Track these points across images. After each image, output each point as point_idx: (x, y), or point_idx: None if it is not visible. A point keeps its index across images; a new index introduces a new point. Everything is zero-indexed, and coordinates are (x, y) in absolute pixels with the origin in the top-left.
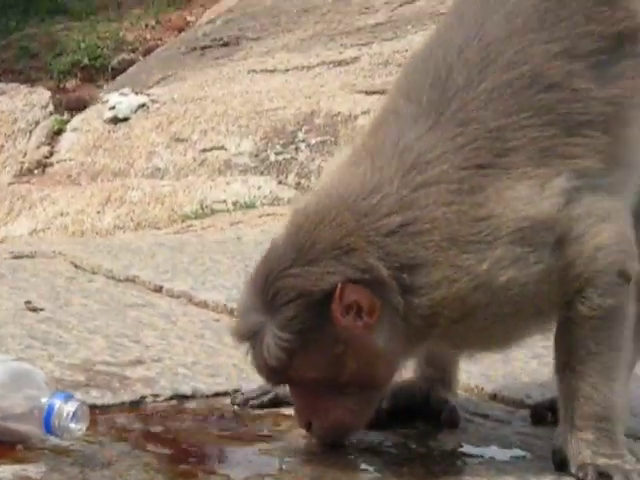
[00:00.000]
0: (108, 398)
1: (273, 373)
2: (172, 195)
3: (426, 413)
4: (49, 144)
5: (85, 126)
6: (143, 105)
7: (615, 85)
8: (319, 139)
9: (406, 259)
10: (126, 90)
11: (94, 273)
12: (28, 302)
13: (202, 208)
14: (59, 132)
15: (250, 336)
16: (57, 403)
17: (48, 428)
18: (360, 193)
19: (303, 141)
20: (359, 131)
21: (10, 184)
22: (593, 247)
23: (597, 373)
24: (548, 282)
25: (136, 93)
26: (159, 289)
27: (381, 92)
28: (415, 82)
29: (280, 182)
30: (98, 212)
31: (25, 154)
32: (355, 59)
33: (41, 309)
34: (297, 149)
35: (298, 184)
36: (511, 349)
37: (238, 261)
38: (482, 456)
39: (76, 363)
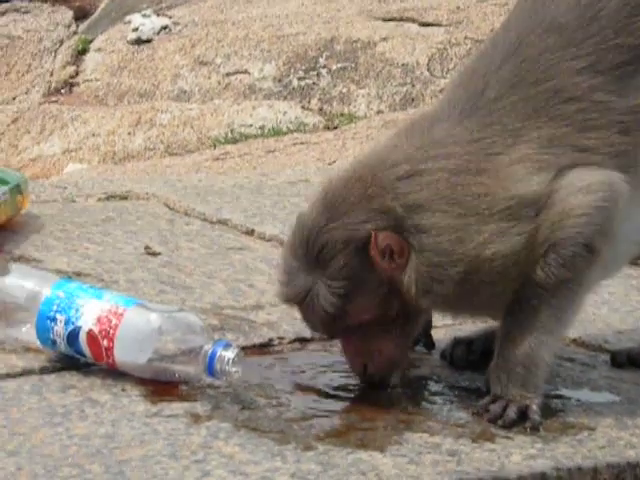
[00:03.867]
0: (242, 340)
1: (329, 324)
2: (200, 118)
3: None
4: (74, 64)
5: (109, 47)
6: (165, 27)
7: (637, 96)
8: (340, 65)
9: (413, 200)
10: (148, 12)
11: (188, 215)
12: (147, 247)
13: (231, 132)
14: (83, 52)
15: (303, 296)
16: (219, 350)
17: (211, 371)
18: (380, 160)
19: (324, 67)
20: (379, 58)
21: (41, 104)
22: (559, 213)
23: (535, 329)
24: (525, 250)
25: (157, 15)
26: (251, 232)
27: (398, 19)
28: (455, 94)
29: (304, 107)
30: (129, 134)
31: (52, 73)
32: None
33: (159, 253)
34: (319, 75)
35: (321, 109)
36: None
37: None
38: (578, 399)
39: (207, 307)
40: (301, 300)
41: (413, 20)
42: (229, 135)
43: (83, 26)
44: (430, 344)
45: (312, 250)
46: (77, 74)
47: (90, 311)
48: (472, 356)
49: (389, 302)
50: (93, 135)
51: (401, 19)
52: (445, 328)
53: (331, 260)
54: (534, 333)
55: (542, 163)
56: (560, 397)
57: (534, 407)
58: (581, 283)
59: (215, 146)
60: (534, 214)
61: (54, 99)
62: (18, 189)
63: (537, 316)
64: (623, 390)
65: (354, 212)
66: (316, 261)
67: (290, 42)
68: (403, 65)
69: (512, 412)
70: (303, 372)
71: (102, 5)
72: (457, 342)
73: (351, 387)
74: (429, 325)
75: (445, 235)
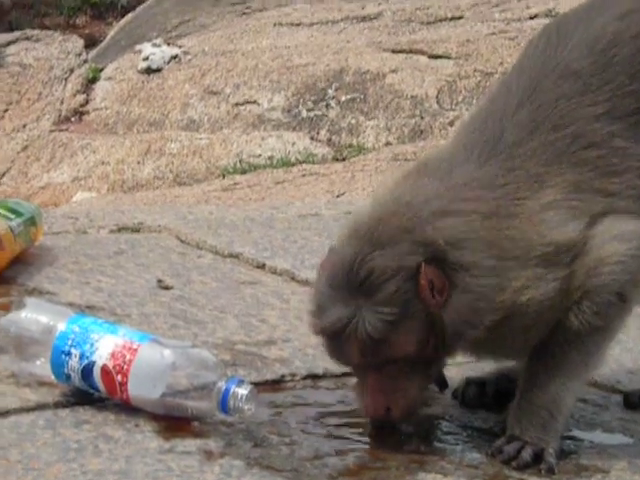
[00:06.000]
0: (254, 377)
1: (367, 353)
2: (209, 148)
3: None
4: (84, 92)
5: (119, 75)
6: (175, 56)
7: None
8: (349, 96)
9: (454, 235)
10: (158, 41)
11: (199, 248)
12: (160, 280)
13: (240, 162)
14: (93, 80)
15: (342, 325)
16: (232, 387)
17: (224, 408)
18: (411, 196)
19: (333, 98)
20: (388, 90)
21: (51, 132)
22: (595, 260)
23: (563, 374)
24: (559, 296)
25: (168, 44)
26: (262, 266)
27: (407, 51)
28: (470, 137)
29: (312, 138)
30: (138, 162)
31: (62, 102)
32: (378, 15)
33: (171, 287)
34: (328, 106)
35: (329, 140)
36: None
37: (326, 239)
38: (592, 441)
39: (219, 342)
40: (339, 329)
41: (422, 52)
42: (238, 165)
43: (92, 54)
44: (443, 383)
45: (355, 278)
46: (87, 102)
47: (105, 346)
48: (485, 398)
49: (428, 338)
50: (102, 163)
51: (410, 51)
52: (457, 367)
53: (379, 287)
54: (562, 378)
55: (574, 209)
56: (573, 439)
57: (551, 450)
58: (611, 330)
59: (224, 176)
60: (569, 260)
61: (64, 127)
62: (32, 221)
63: (566, 361)
64: (636, 432)
65: (398, 243)
66: (359, 289)
67: (299, 73)
68: (412, 97)
69: (527, 454)
70: (315, 410)
71: (111, 33)
72: (469, 382)
73: (363, 426)
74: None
75: (486, 278)
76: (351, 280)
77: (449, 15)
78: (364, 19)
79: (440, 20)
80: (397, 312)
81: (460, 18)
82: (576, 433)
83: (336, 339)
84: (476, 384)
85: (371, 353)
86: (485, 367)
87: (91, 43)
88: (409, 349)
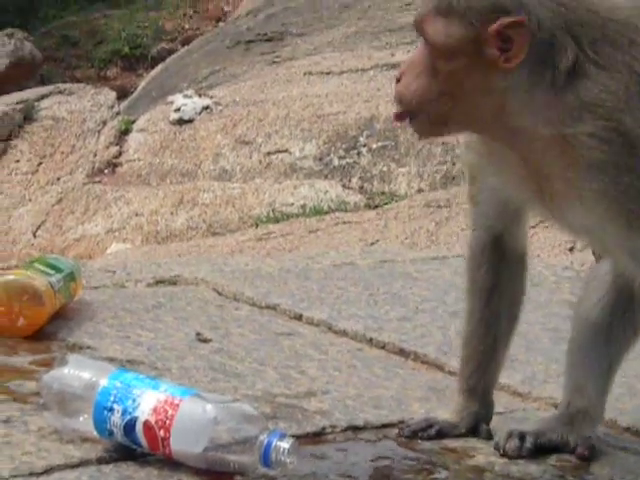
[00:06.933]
0: (295, 429)
1: (420, 15)
2: (241, 198)
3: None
4: (117, 144)
5: (151, 127)
6: (207, 107)
7: None
8: (380, 144)
9: (601, 56)
10: (190, 92)
11: (237, 300)
12: (199, 334)
13: (272, 212)
14: (126, 132)
15: None
16: (274, 440)
17: (266, 462)
18: None
19: (365, 145)
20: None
21: (85, 184)
22: None
23: None
24: None
25: (199, 95)
26: (299, 317)
27: None
28: None
29: (344, 186)
30: (171, 213)
31: (95, 154)
32: None
33: (210, 340)
34: (359, 153)
35: (361, 188)
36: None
37: (363, 289)
38: None
39: (259, 395)
40: None
41: None
42: (271, 214)
43: (124, 105)
44: (488, 434)
45: None
46: (120, 154)
47: (147, 401)
48: (524, 449)
49: (454, 64)
50: (136, 215)
51: None
52: (498, 416)
53: None
54: None
55: None
56: None
57: None
58: None
59: (257, 225)
60: None
61: (97, 179)
62: (72, 276)
63: None
64: None
65: None
66: None
67: (330, 121)
68: (443, 143)
69: None
70: (356, 462)
71: (142, 84)
72: (511, 434)
73: (405, 478)
74: (489, 415)
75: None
76: None
77: None
78: (394, 67)
79: None
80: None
81: None
82: None
83: None
84: (517, 436)
85: (424, 12)
86: (525, 418)
87: (122, 94)
88: (435, 43)
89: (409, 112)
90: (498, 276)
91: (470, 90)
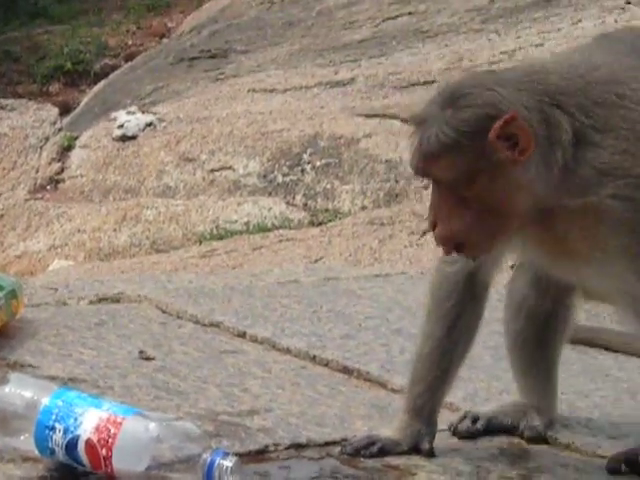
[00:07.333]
0: (238, 447)
1: (421, 161)
2: (185, 214)
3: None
4: (59, 160)
5: (94, 143)
6: (150, 124)
7: None
8: (324, 161)
9: (596, 119)
10: (133, 108)
11: (180, 318)
12: (142, 352)
13: (216, 229)
14: (68, 148)
15: (420, 122)
16: (217, 459)
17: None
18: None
19: (308, 163)
20: (362, 154)
21: (27, 200)
22: None
23: None
24: None
25: (142, 112)
26: (243, 335)
27: (381, 115)
28: None
29: (288, 203)
30: (114, 230)
31: (37, 170)
32: (351, 80)
33: (153, 358)
34: (303, 171)
35: (305, 205)
36: None
37: (306, 306)
38: None
39: (202, 413)
40: (417, 124)
41: (396, 116)
42: (214, 231)
43: (66, 121)
44: (431, 451)
45: (456, 93)
46: (62, 170)
47: (89, 420)
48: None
49: (475, 178)
50: (78, 231)
51: (384, 115)
52: (439, 433)
53: (461, 108)
54: None
55: None
56: None
57: None
58: None
59: (201, 242)
60: None
61: (40, 196)
62: (13, 294)
63: None
64: None
65: (510, 88)
66: (452, 102)
67: (274, 138)
68: (386, 161)
69: None
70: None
71: (85, 100)
72: (465, 416)
73: None
74: (432, 433)
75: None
76: (453, 94)
77: (421, 80)
78: (337, 84)
79: (413, 84)
80: (454, 139)
81: (433, 82)
82: None
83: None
84: (471, 418)
85: (422, 162)
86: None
87: (65, 110)
88: (451, 177)
89: (459, 245)
90: (464, 308)
91: (502, 196)
